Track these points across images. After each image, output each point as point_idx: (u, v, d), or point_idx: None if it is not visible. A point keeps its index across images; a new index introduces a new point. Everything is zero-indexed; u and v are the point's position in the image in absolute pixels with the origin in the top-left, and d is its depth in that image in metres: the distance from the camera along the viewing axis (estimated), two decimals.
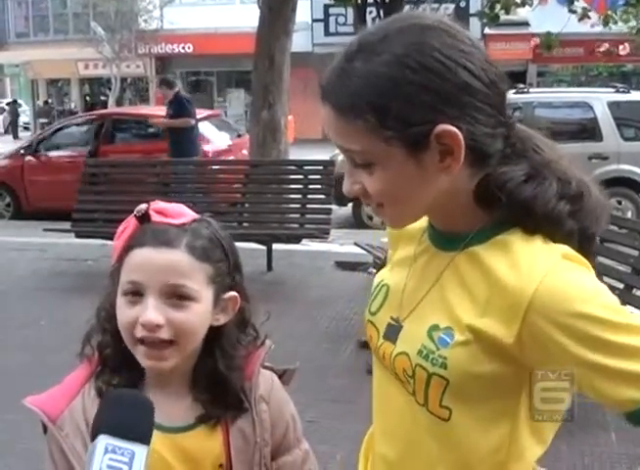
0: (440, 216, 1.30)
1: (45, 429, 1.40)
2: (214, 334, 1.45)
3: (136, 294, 1.36)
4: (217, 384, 1.45)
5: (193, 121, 10.63)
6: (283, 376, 1.58)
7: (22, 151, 12.81)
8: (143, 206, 1.42)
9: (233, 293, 1.45)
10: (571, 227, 1.23)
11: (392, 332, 1.34)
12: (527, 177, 1.24)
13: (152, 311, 1.34)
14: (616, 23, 13.90)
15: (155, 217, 1.41)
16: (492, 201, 1.24)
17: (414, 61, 1.14)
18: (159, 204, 1.45)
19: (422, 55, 1.15)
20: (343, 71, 1.19)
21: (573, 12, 12.90)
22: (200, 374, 1.45)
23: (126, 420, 1.15)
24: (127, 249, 1.40)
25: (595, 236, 1.28)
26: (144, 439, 1.14)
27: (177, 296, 1.36)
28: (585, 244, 1.25)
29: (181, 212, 1.44)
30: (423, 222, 1.37)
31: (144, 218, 1.41)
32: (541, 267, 1.16)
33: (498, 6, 12.33)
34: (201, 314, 1.39)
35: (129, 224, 1.43)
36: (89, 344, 1.46)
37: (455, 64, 1.16)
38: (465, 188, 1.24)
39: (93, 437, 1.13)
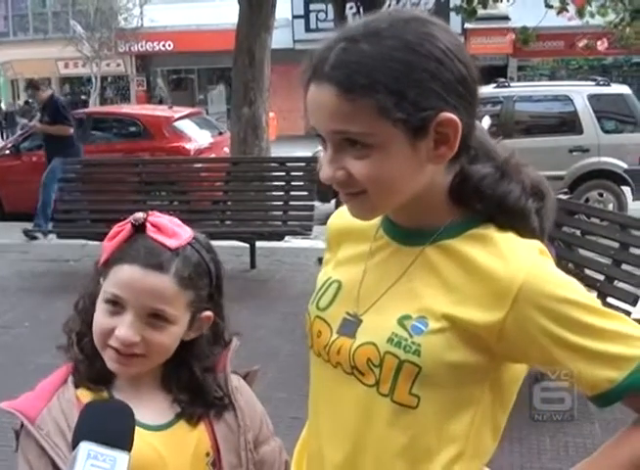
0: (411, 212, 1.31)
1: (17, 436, 1.41)
2: (186, 344, 1.48)
3: (117, 305, 1.39)
4: (195, 386, 1.48)
5: (71, 130, 10.15)
6: (246, 378, 1.61)
7: (2, 151, 12.73)
8: (141, 215, 1.42)
9: (208, 313, 1.48)
10: (536, 224, 1.31)
11: (349, 327, 1.33)
12: (501, 175, 1.29)
13: (129, 329, 1.37)
14: (593, 16, 13.95)
15: (150, 231, 1.41)
16: (465, 196, 1.29)
17: (425, 49, 1.19)
18: (156, 216, 1.45)
19: (431, 45, 1.20)
20: (349, 52, 1.19)
21: (550, 6, 12.95)
22: (175, 378, 1.48)
23: (107, 427, 1.18)
24: (118, 259, 1.40)
25: (546, 233, 1.35)
26: (125, 445, 1.17)
27: (156, 317, 1.39)
28: (541, 239, 1.31)
29: (176, 232, 1.44)
30: (369, 224, 1.39)
31: (140, 228, 1.41)
32: (525, 258, 1.23)
33: (475, 0, 12.35)
34: (175, 335, 1.43)
35: (124, 229, 1.43)
36: (69, 334, 1.48)
37: (455, 56, 1.21)
38: (441, 182, 1.28)
39: (74, 445, 1.14)
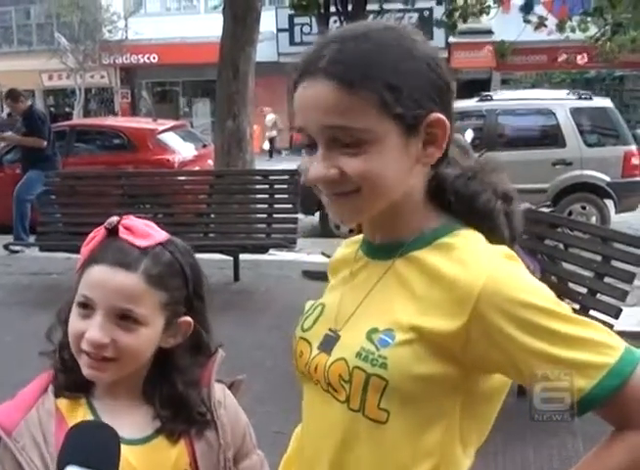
0: (389, 222, 1.31)
1: None
2: (168, 354, 1.46)
3: (87, 307, 1.38)
4: (177, 401, 1.46)
5: (45, 142, 10.04)
6: (231, 387, 1.59)
7: None
8: (114, 219, 1.43)
9: (186, 318, 1.46)
10: (505, 227, 1.32)
11: (329, 343, 1.34)
12: (472, 176, 1.32)
13: (97, 330, 1.36)
14: (573, 31, 14.09)
15: (122, 233, 1.41)
16: (439, 197, 1.32)
17: (417, 51, 1.25)
18: (130, 220, 1.45)
19: (424, 51, 1.26)
20: (345, 49, 1.22)
21: (528, 22, 13.07)
22: (155, 390, 1.46)
23: (93, 450, 1.16)
24: (89, 261, 1.41)
25: (516, 239, 1.35)
26: (111, 468, 1.16)
27: (125, 318, 1.37)
28: (510, 246, 1.31)
29: (148, 233, 1.44)
30: (354, 247, 1.43)
31: (112, 231, 1.42)
32: (487, 263, 1.22)
33: (456, 14, 12.46)
34: (147, 338, 1.40)
35: (98, 234, 1.44)
36: (52, 343, 1.48)
37: (439, 65, 1.27)
38: (419, 186, 1.30)
39: (60, 468, 1.14)
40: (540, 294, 1.20)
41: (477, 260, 1.22)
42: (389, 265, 1.31)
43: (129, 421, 1.42)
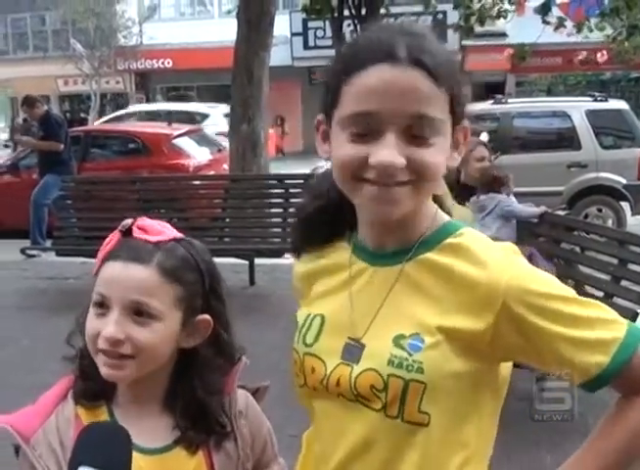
0: (398, 226, 1.32)
1: (17, 449, 1.39)
2: (189, 359, 1.45)
3: (103, 306, 1.38)
4: (198, 409, 1.44)
5: (61, 146, 10.14)
6: (256, 393, 1.58)
7: (2, 169, 12.73)
8: (128, 221, 1.44)
9: (205, 316, 1.44)
10: None
11: (352, 352, 1.33)
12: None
13: (112, 326, 1.35)
14: (591, 31, 14.01)
15: (136, 233, 1.42)
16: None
17: (458, 61, 1.36)
18: (144, 220, 1.45)
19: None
20: (422, 43, 1.26)
21: (547, 23, 13.01)
22: (177, 399, 1.45)
23: (105, 451, 1.16)
24: (103, 261, 1.41)
25: None
26: (122, 468, 1.16)
27: (140, 313, 1.36)
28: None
29: (161, 231, 1.44)
30: (343, 253, 1.41)
31: (127, 233, 1.42)
32: (504, 261, 1.28)
33: (473, 18, 12.43)
34: (163, 334, 1.39)
35: (114, 237, 1.44)
36: (73, 347, 1.47)
37: None
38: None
39: (72, 469, 1.14)
40: (552, 283, 1.29)
41: (493, 260, 1.28)
42: (399, 270, 1.33)
43: (149, 429, 1.41)
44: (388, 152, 1.22)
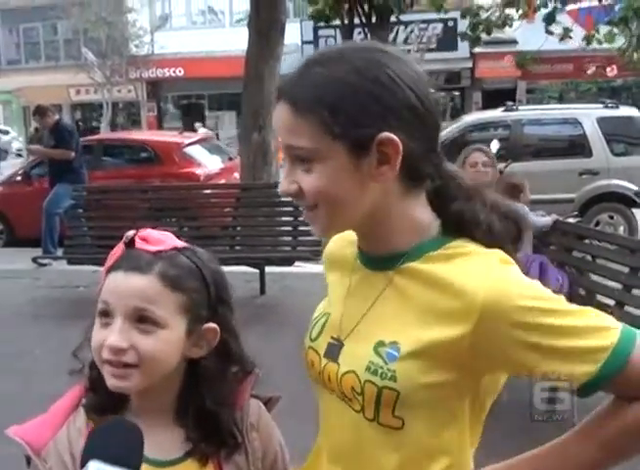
0: (376, 235, 1.36)
1: (29, 461, 1.39)
2: (198, 369, 1.45)
3: (107, 315, 1.38)
4: (208, 421, 1.44)
5: (72, 154, 10.17)
6: (267, 403, 1.58)
7: (14, 178, 12.81)
8: (131, 232, 1.44)
9: (211, 325, 1.44)
10: (502, 236, 1.35)
11: (333, 350, 1.39)
12: (467, 198, 1.36)
13: (116, 335, 1.35)
14: (600, 43, 14.01)
15: (138, 244, 1.43)
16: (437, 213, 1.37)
17: (371, 73, 1.27)
18: (146, 231, 1.45)
19: (378, 70, 1.28)
20: (304, 74, 1.31)
21: (551, 33, 13.02)
22: (187, 410, 1.45)
23: (117, 446, 1.17)
24: (107, 272, 1.42)
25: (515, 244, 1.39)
26: (134, 464, 1.16)
27: (143, 320, 1.36)
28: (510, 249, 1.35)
29: (162, 240, 1.45)
30: (353, 248, 1.45)
31: (130, 244, 1.43)
32: (485, 271, 1.26)
33: (480, 27, 12.46)
34: (168, 342, 1.38)
35: (118, 250, 1.45)
36: (79, 360, 1.48)
37: (403, 83, 1.29)
38: (397, 203, 1.33)
39: (83, 464, 1.14)
40: (536, 295, 1.25)
41: (474, 269, 1.27)
42: (389, 278, 1.35)
43: (160, 441, 1.41)
44: (282, 181, 1.35)
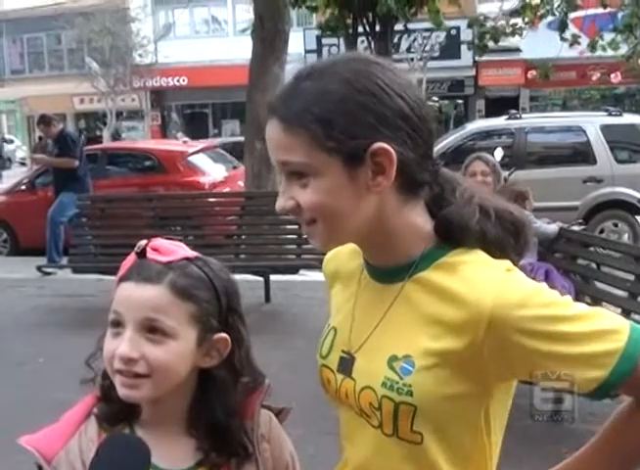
0: (380, 247, 1.35)
1: (40, 469, 1.39)
2: (209, 379, 1.44)
3: (118, 325, 1.38)
4: (218, 431, 1.43)
5: (76, 162, 10.17)
6: (279, 415, 1.57)
7: (19, 187, 12.84)
8: (143, 242, 1.44)
9: (222, 335, 1.43)
10: (505, 243, 1.33)
11: (345, 365, 1.39)
12: (462, 204, 1.34)
13: (126, 345, 1.35)
14: (605, 50, 14.04)
15: (149, 254, 1.42)
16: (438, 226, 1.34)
17: (360, 84, 1.26)
18: (157, 241, 1.45)
19: (367, 80, 1.27)
20: (293, 89, 1.30)
21: (565, 40, 13.06)
22: (198, 420, 1.44)
23: (123, 463, 1.17)
24: (118, 282, 1.42)
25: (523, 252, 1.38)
26: None
27: (153, 331, 1.36)
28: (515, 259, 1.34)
29: (173, 250, 1.44)
30: (359, 261, 1.44)
31: (141, 254, 1.43)
32: (492, 280, 1.25)
33: (487, 36, 12.48)
34: (178, 352, 1.38)
35: (130, 259, 1.45)
36: (92, 370, 1.47)
37: (394, 92, 1.27)
38: (396, 213, 1.32)
39: None
40: (543, 302, 1.24)
41: (483, 279, 1.26)
42: (399, 290, 1.34)
43: (171, 451, 1.41)
44: (278, 198, 1.34)
